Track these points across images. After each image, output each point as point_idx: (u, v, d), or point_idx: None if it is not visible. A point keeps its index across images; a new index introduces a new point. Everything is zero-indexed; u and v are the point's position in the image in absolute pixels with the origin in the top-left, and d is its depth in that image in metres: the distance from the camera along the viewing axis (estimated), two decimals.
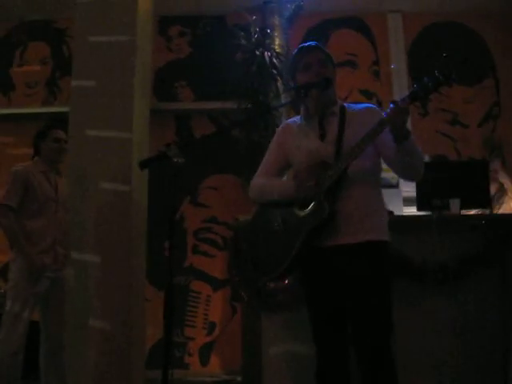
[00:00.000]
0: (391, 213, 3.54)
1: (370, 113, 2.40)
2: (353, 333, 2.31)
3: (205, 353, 5.11)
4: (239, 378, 4.38)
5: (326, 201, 2.26)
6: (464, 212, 3.71)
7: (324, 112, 2.44)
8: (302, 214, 2.31)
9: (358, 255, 2.29)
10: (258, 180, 2.55)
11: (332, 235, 2.29)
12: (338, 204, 2.27)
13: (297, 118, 2.57)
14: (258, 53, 4.40)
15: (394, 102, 2.16)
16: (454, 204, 3.65)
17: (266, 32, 4.66)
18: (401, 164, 2.30)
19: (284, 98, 4.32)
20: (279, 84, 4.49)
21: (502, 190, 4.54)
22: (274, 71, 4.42)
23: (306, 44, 2.51)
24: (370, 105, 2.52)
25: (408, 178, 2.47)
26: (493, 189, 4.21)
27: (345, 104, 2.49)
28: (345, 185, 2.29)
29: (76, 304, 3.47)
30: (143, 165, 2.07)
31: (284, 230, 2.36)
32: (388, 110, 2.17)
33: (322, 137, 2.41)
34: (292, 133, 2.52)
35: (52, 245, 3.64)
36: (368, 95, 5.48)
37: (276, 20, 5.19)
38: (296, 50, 2.53)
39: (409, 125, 5.33)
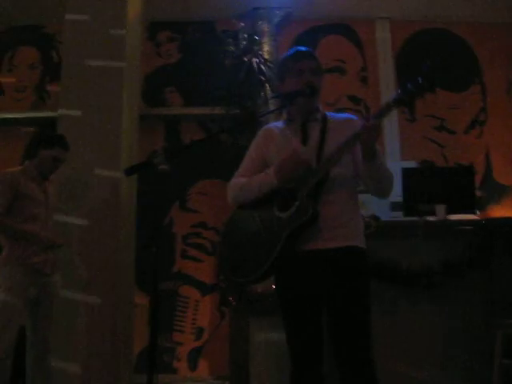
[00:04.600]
0: (378, 218, 3.57)
1: (350, 124, 2.41)
2: (333, 339, 2.29)
3: (193, 358, 5.10)
4: (227, 383, 4.39)
5: (308, 202, 2.26)
6: (450, 217, 3.75)
7: (307, 118, 2.46)
8: (283, 215, 2.30)
9: (339, 260, 2.29)
10: (236, 180, 2.55)
11: (312, 239, 2.29)
12: (319, 208, 2.27)
13: (278, 123, 2.58)
14: (246, 59, 4.42)
15: (366, 118, 2.20)
16: (440, 209, 3.70)
17: (255, 38, 4.67)
18: (368, 181, 2.34)
19: (272, 105, 4.34)
20: (267, 90, 4.50)
21: None
22: (262, 78, 4.43)
23: (301, 49, 2.51)
24: (352, 116, 2.55)
25: (375, 194, 2.46)
26: None
27: (327, 113, 2.51)
28: (327, 190, 2.31)
29: (64, 309, 3.47)
30: (129, 172, 2.09)
31: (264, 232, 2.34)
32: (361, 124, 2.20)
33: (304, 141, 2.43)
34: (273, 137, 2.53)
35: (44, 249, 3.64)
36: (356, 101, 5.52)
37: (265, 26, 5.22)
38: (290, 53, 2.51)
39: (396, 130, 5.40)
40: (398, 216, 4.04)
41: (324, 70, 2.54)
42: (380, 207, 3.96)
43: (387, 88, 5.55)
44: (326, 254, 2.29)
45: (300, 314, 2.37)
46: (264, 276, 2.34)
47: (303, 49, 2.52)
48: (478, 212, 4.10)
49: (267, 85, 4.49)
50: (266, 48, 5.01)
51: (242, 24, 4.66)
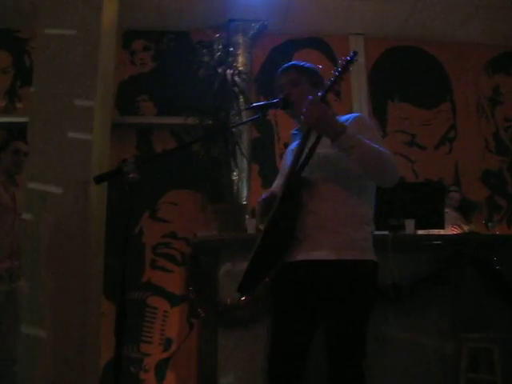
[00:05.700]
0: None
1: (354, 122, 2.32)
2: (328, 354, 2.23)
3: (161, 369, 5.05)
4: None
5: (278, 204, 2.24)
6: (419, 232, 3.79)
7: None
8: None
9: (328, 276, 2.21)
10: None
11: (296, 250, 2.26)
12: (300, 218, 2.24)
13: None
14: (220, 70, 4.42)
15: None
16: (410, 224, 3.73)
17: (229, 50, 4.68)
18: (356, 165, 2.23)
19: (245, 116, 4.35)
20: (240, 102, 4.52)
21: None
22: (236, 89, 4.44)
23: (282, 67, 2.52)
24: (354, 114, 2.44)
25: (375, 182, 2.46)
26: None
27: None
28: (306, 196, 2.26)
29: (29, 318, 3.41)
30: (98, 180, 2.07)
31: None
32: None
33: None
34: (289, 151, 2.56)
35: (9, 256, 3.58)
36: None
37: (240, 38, 5.25)
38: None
39: None
40: None
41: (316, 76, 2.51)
42: None
43: (360, 102, 5.62)
44: (311, 267, 2.23)
45: (286, 326, 2.29)
46: (244, 285, 2.30)
47: (285, 65, 2.52)
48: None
49: (240, 96, 4.50)
50: (240, 60, 5.04)
51: (217, 35, 4.66)
